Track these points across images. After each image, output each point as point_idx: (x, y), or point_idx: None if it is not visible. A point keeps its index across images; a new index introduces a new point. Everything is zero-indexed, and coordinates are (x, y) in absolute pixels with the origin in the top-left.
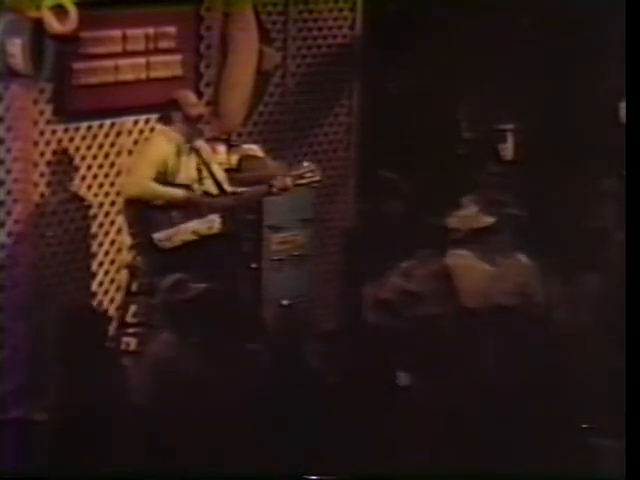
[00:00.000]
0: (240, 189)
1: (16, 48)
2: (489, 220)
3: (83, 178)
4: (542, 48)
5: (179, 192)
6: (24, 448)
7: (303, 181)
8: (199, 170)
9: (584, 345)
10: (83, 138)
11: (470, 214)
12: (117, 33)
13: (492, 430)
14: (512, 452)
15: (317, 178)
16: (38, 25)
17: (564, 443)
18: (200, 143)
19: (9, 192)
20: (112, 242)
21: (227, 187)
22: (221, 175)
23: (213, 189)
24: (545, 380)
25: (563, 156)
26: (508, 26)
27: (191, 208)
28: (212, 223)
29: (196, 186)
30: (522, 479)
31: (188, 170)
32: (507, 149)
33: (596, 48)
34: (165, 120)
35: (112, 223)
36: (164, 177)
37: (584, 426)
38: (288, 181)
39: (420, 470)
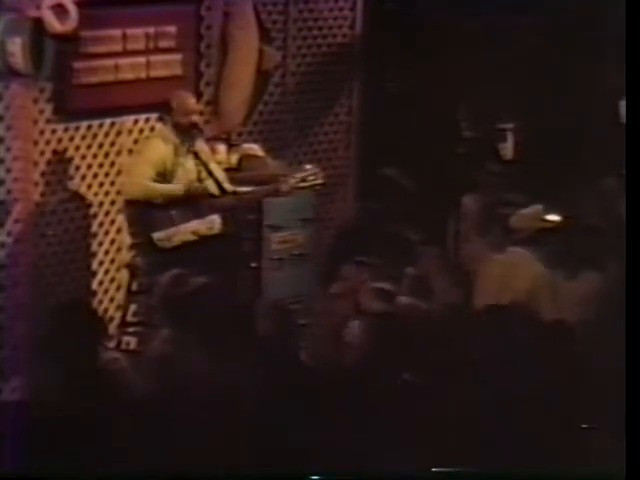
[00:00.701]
0: (241, 189)
1: (16, 47)
2: (555, 219)
3: (83, 177)
4: (542, 47)
5: (179, 187)
6: (24, 448)
7: (305, 184)
8: (198, 171)
9: (586, 343)
10: (83, 137)
11: (533, 213)
12: (117, 32)
13: (492, 430)
14: (512, 452)
15: (319, 181)
16: (38, 24)
17: (564, 443)
18: (199, 144)
19: (9, 191)
20: (112, 241)
21: (227, 187)
22: (220, 175)
23: (213, 189)
24: (545, 380)
25: (563, 155)
26: (508, 25)
27: (192, 206)
28: (212, 224)
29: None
30: (522, 479)
31: (187, 171)
32: (507, 148)
33: (596, 47)
34: (163, 120)
35: (112, 222)
36: (163, 178)
37: (584, 426)
38: (292, 183)
39: (420, 470)
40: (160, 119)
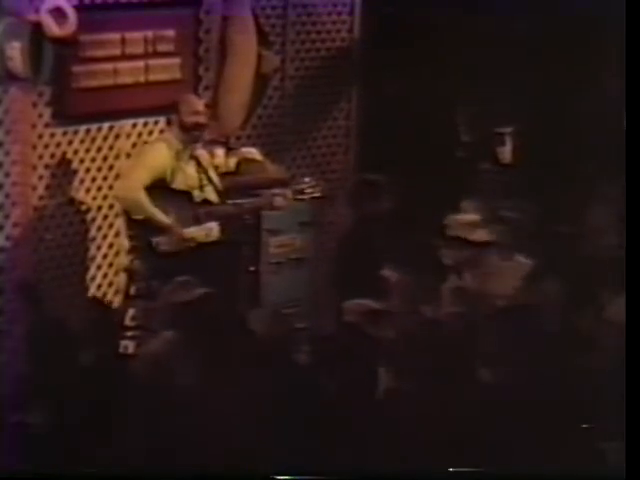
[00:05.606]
0: (239, 201)
1: (15, 51)
2: (487, 236)
3: (81, 181)
4: (541, 50)
5: (167, 222)
6: (24, 450)
7: (303, 197)
8: (200, 178)
9: (583, 345)
10: (82, 141)
11: (471, 221)
12: (116, 36)
13: (491, 430)
14: (512, 452)
15: (317, 194)
16: (37, 28)
17: (564, 443)
18: (201, 150)
19: (8, 195)
20: (110, 245)
21: (225, 197)
22: (220, 183)
23: (213, 197)
24: (545, 380)
25: (562, 160)
26: (507, 29)
27: (191, 212)
28: (210, 230)
29: (196, 193)
30: (522, 479)
31: (187, 177)
32: (505, 152)
33: (596, 51)
34: (170, 123)
35: (110, 226)
36: (163, 183)
37: (584, 426)
38: (289, 196)
39: (420, 470)
40: (167, 122)
